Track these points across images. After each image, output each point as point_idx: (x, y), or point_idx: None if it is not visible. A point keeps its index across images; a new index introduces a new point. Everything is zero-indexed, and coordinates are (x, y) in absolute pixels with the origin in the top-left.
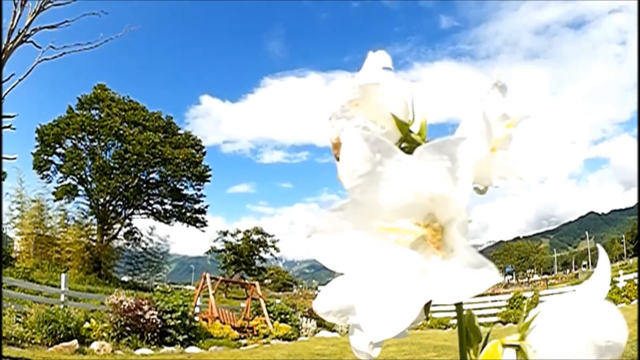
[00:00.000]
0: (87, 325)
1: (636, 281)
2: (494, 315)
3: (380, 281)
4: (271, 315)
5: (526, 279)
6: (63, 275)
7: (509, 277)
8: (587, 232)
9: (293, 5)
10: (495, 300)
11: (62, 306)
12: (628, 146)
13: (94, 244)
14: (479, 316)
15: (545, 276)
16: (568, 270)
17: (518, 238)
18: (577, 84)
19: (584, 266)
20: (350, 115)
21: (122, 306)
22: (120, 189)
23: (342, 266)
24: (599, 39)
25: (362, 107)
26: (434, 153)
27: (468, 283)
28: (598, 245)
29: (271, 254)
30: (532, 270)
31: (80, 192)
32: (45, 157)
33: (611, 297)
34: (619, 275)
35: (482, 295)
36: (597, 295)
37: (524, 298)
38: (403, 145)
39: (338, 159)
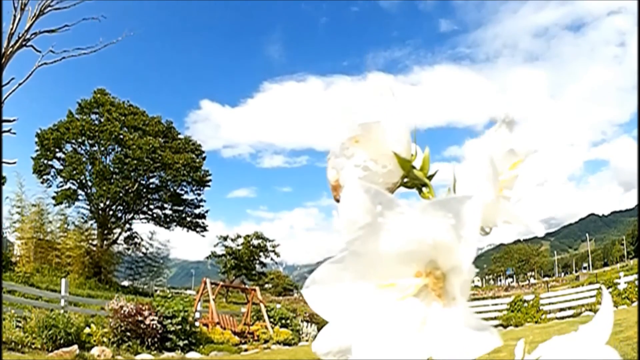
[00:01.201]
0: (87, 330)
1: (637, 283)
2: (495, 318)
3: (380, 330)
4: (272, 320)
5: (527, 282)
6: (63, 280)
7: (510, 280)
8: (587, 234)
9: (292, 9)
10: (496, 304)
11: (62, 311)
12: (628, 148)
13: (94, 248)
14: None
15: (546, 279)
16: (569, 273)
17: (518, 241)
18: (577, 86)
19: (585, 268)
20: (350, 154)
21: (122, 311)
22: (121, 194)
23: (341, 317)
24: (597, 40)
25: (363, 144)
26: (439, 209)
27: (469, 344)
28: (602, 287)
29: (271, 259)
30: (533, 273)
31: (80, 197)
32: (45, 162)
33: (612, 299)
34: (619, 277)
35: (483, 298)
36: (599, 339)
37: (525, 301)
38: (405, 180)
39: (337, 201)
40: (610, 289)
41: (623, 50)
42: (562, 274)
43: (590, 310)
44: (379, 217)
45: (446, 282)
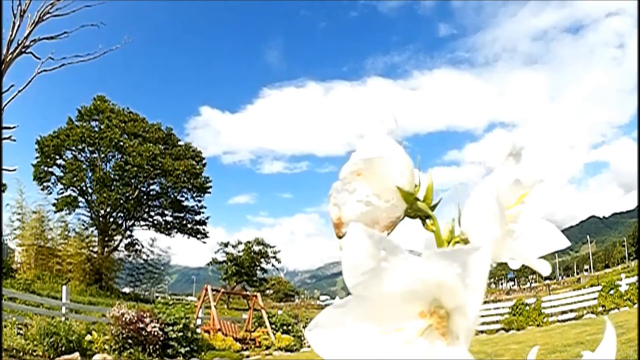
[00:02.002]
0: (88, 337)
1: (637, 285)
2: (497, 322)
3: None
4: (273, 326)
5: (528, 285)
6: (64, 288)
7: (511, 283)
8: (588, 236)
9: (291, 15)
10: (498, 307)
11: (63, 318)
12: (628, 149)
13: (95, 255)
14: (482, 323)
15: (547, 281)
16: (570, 275)
17: None
18: (576, 88)
19: (586, 270)
20: (352, 189)
21: (123, 318)
22: (121, 201)
23: (344, 358)
24: (596, 42)
25: (366, 178)
26: (444, 259)
27: None
28: (606, 318)
29: (272, 265)
30: (534, 276)
31: (80, 204)
32: (46, 169)
33: (614, 301)
34: (621, 279)
35: (485, 302)
36: None
37: (527, 304)
38: (408, 211)
39: (340, 237)
40: (611, 291)
41: (622, 52)
42: (564, 277)
43: (592, 312)
44: (382, 261)
45: (450, 321)
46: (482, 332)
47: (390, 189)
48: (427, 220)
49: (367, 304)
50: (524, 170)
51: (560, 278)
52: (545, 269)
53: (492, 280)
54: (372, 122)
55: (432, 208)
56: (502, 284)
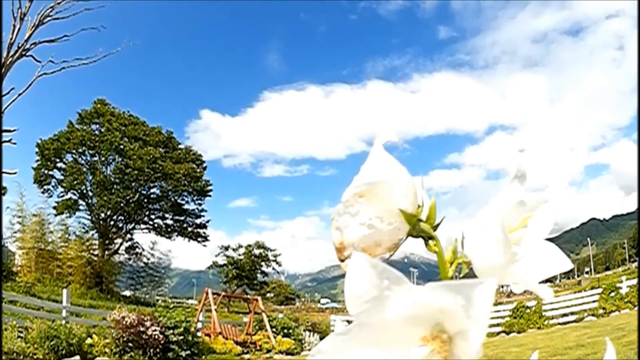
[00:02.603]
0: (89, 341)
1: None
2: (497, 325)
3: None
4: (274, 329)
5: None
6: (65, 291)
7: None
8: (589, 239)
9: (291, 18)
10: (499, 310)
11: (64, 321)
12: (628, 151)
13: (96, 258)
14: None
15: (548, 284)
16: (570, 278)
17: None
18: (576, 91)
19: (587, 273)
20: (355, 212)
21: (124, 322)
22: (121, 204)
23: None
24: (596, 44)
25: (369, 200)
26: (448, 291)
27: None
28: (607, 339)
29: (273, 268)
30: None
31: (81, 207)
32: (46, 172)
33: (614, 303)
34: (621, 281)
35: None
36: None
37: (527, 307)
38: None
39: (342, 260)
40: (612, 293)
41: (622, 54)
42: (564, 279)
43: (593, 315)
44: (385, 290)
45: (452, 346)
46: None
47: (393, 211)
48: (430, 241)
49: (369, 330)
50: (529, 192)
51: (560, 280)
52: (547, 294)
53: None
54: (374, 137)
55: (435, 227)
56: (502, 287)
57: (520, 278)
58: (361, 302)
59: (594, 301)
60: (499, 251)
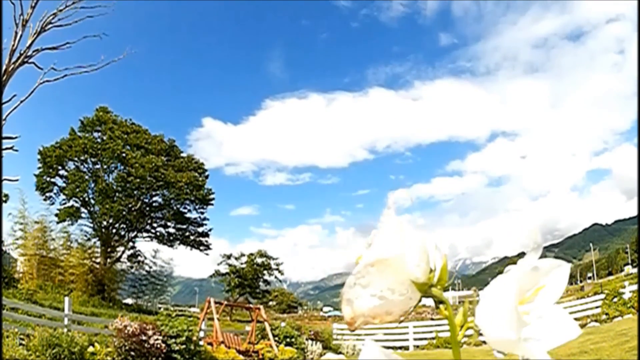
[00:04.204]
0: (91, 349)
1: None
2: None
3: None
4: (276, 338)
5: None
6: (67, 299)
7: None
8: (591, 244)
9: (292, 26)
10: None
11: (65, 329)
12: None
13: (98, 266)
14: None
15: None
16: (573, 283)
17: (523, 253)
18: (577, 96)
19: (589, 278)
20: (366, 283)
21: (126, 330)
22: (124, 212)
23: None
24: (597, 49)
25: (380, 271)
26: None
27: None
28: None
29: (275, 277)
30: None
31: (83, 215)
32: (48, 179)
33: (617, 309)
34: (624, 287)
35: None
36: None
37: None
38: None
39: (352, 331)
40: (615, 299)
41: (622, 58)
42: (567, 285)
43: (595, 320)
44: None
45: None
46: (485, 342)
47: (405, 283)
48: (441, 305)
49: None
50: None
51: None
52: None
53: None
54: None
55: (446, 289)
56: None
57: (529, 353)
58: None
59: (597, 307)
60: (511, 330)
